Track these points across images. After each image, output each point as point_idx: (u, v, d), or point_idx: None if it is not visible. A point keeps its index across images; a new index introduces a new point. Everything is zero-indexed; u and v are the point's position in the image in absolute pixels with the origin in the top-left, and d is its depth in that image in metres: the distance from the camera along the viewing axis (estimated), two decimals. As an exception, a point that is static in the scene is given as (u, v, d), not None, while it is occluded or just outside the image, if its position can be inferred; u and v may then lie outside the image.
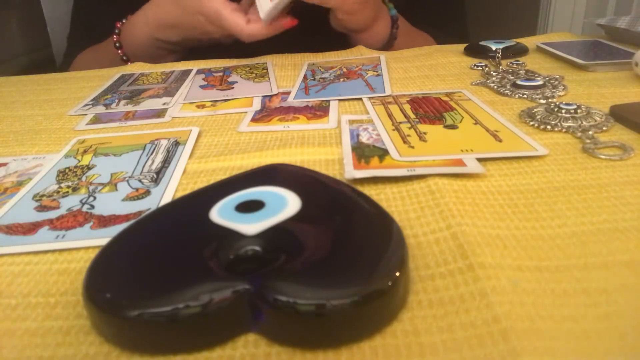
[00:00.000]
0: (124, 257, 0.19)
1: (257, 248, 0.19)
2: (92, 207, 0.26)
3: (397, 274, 0.17)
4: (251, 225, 0.20)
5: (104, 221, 0.25)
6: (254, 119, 0.38)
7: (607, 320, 0.17)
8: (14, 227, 0.25)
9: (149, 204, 0.26)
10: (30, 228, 0.25)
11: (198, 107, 0.42)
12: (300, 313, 0.16)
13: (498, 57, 0.50)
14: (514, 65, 0.48)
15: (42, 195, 0.28)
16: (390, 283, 0.17)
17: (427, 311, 0.18)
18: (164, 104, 0.43)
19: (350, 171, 0.28)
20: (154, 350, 0.17)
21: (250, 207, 0.21)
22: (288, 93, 0.44)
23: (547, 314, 0.17)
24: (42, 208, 0.26)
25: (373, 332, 0.17)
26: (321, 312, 0.16)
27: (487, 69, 0.47)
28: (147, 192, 0.28)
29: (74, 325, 0.18)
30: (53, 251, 0.23)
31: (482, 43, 0.54)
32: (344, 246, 0.19)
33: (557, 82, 0.42)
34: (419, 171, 0.27)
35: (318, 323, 0.16)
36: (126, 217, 0.25)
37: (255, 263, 0.18)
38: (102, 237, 0.23)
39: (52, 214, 0.26)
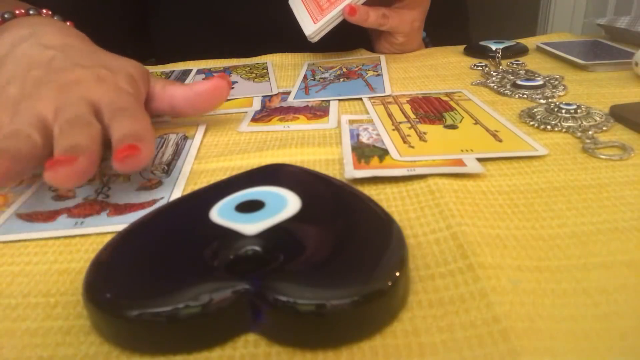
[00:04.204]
0: (124, 257, 0.19)
1: (257, 248, 0.19)
2: (107, 196, 0.27)
3: (397, 274, 0.17)
4: (251, 225, 0.20)
5: (120, 209, 0.26)
6: (254, 119, 0.38)
7: (607, 320, 0.17)
8: (34, 214, 0.26)
9: (162, 194, 0.27)
10: (50, 215, 0.26)
11: (198, 107, 0.42)
12: (300, 313, 0.16)
13: (498, 57, 0.50)
14: (514, 65, 0.48)
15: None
16: (390, 283, 0.17)
17: (427, 311, 0.18)
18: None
19: (350, 171, 0.28)
20: (154, 350, 0.17)
21: (250, 207, 0.21)
22: (288, 93, 0.44)
23: (547, 314, 0.17)
24: (58, 197, 0.27)
25: (373, 332, 0.17)
26: (321, 312, 0.16)
27: (487, 69, 0.48)
28: (160, 183, 0.29)
29: (74, 325, 0.18)
30: (73, 236, 0.24)
31: (482, 43, 0.54)
32: (344, 246, 0.19)
33: (557, 82, 0.42)
34: (419, 171, 0.27)
35: (318, 323, 0.16)
36: (141, 205, 0.26)
37: (255, 263, 0.18)
38: (119, 224, 0.24)
39: (69, 203, 0.27)
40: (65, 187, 0.24)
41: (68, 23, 0.39)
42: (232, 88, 0.46)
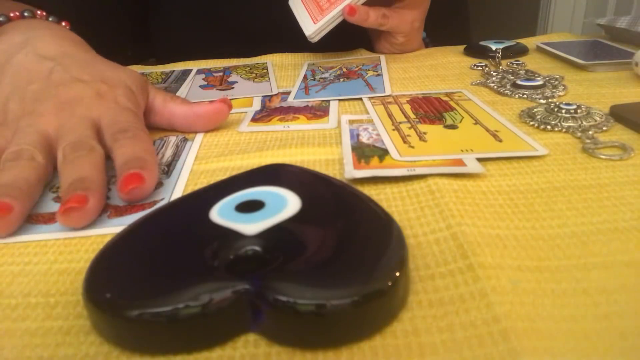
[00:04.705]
0: (124, 257, 0.19)
1: (257, 248, 0.19)
2: (108, 197, 0.27)
3: (397, 274, 0.17)
4: (251, 225, 0.20)
5: (120, 210, 0.26)
6: (254, 119, 0.38)
7: (607, 320, 0.17)
8: (35, 216, 0.26)
9: (162, 195, 0.27)
10: (50, 217, 0.25)
11: (198, 107, 0.42)
12: (300, 313, 0.16)
13: (498, 57, 0.50)
14: (514, 65, 0.48)
15: (59, 187, 0.28)
16: (390, 283, 0.17)
17: (427, 311, 0.18)
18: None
19: (350, 171, 0.28)
20: (154, 350, 0.17)
21: (250, 207, 0.21)
22: (288, 93, 0.44)
23: (547, 314, 0.17)
24: (59, 199, 0.27)
25: (373, 332, 0.17)
26: (321, 312, 0.16)
27: (487, 69, 0.47)
28: (160, 184, 0.28)
29: (74, 325, 0.18)
30: (73, 237, 0.24)
31: (482, 43, 0.54)
32: (344, 246, 0.19)
33: (557, 82, 0.42)
34: (419, 171, 0.27)
35: (318, 323, 0.16)
36: (142, 207, 0.26)
37: (255, 263, 0.18)
38: (119, 226, 0.24)
39: None
40: (78, 227, 0.24)
41: (63, 23, 0.39)
42: (232, 88, 0.46)
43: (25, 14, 0.38)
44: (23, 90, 0.31)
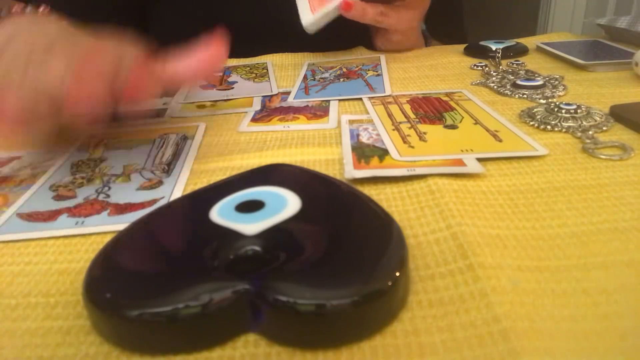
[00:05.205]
0: (124, 257, 0.19)
1: (257, 248, 0.19)
2: (108, 196, 0.27)
3: (397, 274, 0.17)
4: (251, 225, 0.20)
5: (121, 208, 0.26)
6: (254, 119, 0.38)
7: (607, 320, 0.17)
8: (35, 214, 0.26)
9: (162, 193, 0.27)
10: (51, 215, 0.26)
11: (198, 107, 0.42)
12: (300, 313, 0.16)
13: (498, 57, 0.50)
14: (514, 65, 0.48)
15: (59, 186, 0.28)
16: (390, 283, 0.17)
17: (427, 311, 0.18)
18: (164, 103, 0.43)
19: (350, 171, 0.28)
20: (154, 350, 0.17)
21: (250, 207, 0.21)
22: (288, 93, 0.44)
23: (547, 314, 0.17)
24: (59, 197, 0.27)
25: (373, 332, 0.17)
26: (321, 312, 0.16)
27: (487, 69, 0.47)
28: (160, 182, 0.29)
29: (74, 325, 0.18)
30: (74, 236, 0.24)
31: (482, 43, 0.54)
32: (344, 246, 0.19)
33: (557, 82, 0.42)
34: (419, 171, 0.27)
35: (318, 323, 0.16)
36: (141, 205, 0.26)
37: (255, 263, 0.18)
38: (120, 224, 0.24)
39: (70, 203, 0.27)
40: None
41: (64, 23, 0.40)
42: (232, 88, 0.46)
43: (28, 9, 0.38)
44: (28, 53, 0.31)
